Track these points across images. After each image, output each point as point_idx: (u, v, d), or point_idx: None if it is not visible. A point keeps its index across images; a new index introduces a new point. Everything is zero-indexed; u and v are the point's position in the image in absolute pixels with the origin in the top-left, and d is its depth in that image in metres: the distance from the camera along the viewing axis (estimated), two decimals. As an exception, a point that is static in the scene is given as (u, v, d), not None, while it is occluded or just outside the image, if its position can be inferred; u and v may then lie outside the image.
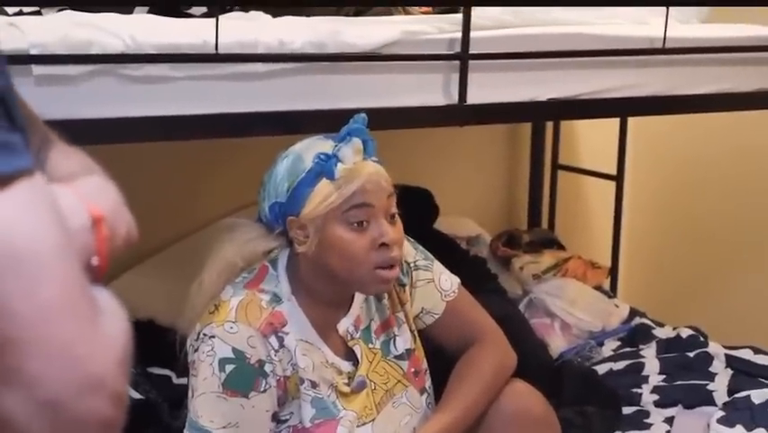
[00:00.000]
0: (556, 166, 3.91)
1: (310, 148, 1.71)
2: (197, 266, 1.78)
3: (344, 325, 1.79)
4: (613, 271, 3.75)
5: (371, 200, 1.68)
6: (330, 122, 1.80)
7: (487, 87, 2.19)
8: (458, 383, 1.84)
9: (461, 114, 2.16)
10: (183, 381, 2.38)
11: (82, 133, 0.99)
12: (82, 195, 0.86)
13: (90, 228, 0.84)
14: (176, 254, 2.94)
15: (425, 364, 1.90)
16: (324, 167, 1.67)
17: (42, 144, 0.93)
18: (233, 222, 1.80)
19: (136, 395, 2.21)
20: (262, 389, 1.66)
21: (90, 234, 0.84)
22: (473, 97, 2.15)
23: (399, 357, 1.86)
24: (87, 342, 0.71)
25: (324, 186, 1.67)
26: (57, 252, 0.71)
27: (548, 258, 3.50)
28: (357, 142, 1.69)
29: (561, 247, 3.69)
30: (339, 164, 1.67)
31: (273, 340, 1.68)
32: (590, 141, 3.97)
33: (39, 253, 0.70)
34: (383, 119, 1.99)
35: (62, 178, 0.88)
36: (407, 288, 1.88)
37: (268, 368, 1.67)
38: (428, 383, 1.90)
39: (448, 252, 2.49)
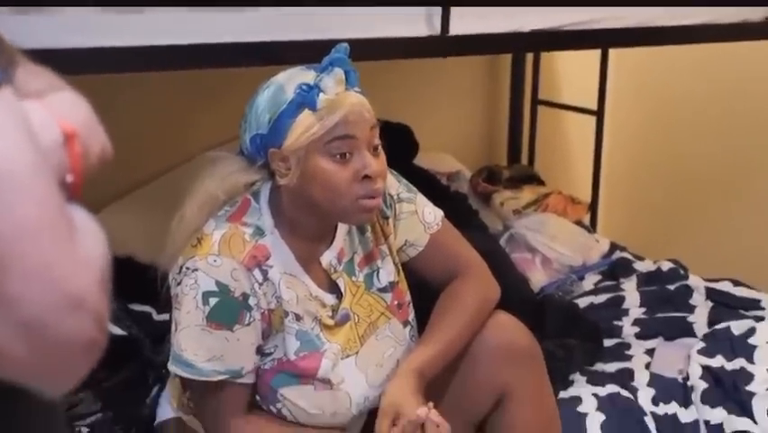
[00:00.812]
0: (536, 101, 3.90)
1: (291, 78, 1.68)
2: (177, 202, 1.75)
3: (327, 257, 1.77)
4: (593, 207, 3.76)
5: (354, 132, 1.66)
6: (311, 52, 1.76)
7: (469, 18, 2.16)
8: (441, 316, 1.84)
9: (444, 45, 2.14)
10: (164, 317, 2.37)
11: (57, 62, 0.95)
12: (53, 110, 0.83)
13: (63, 145, 0.81)
14: (155, 190, 2.91)
15: (408, 297, 1.90)
16: (306, 97, 1.64)
17: (9, 64, 0.90)
18: (214, 155, 1.77)
19: (118, 331, 2.19)
20: (247, 322, 1.65)
21: (63, 151, 0.81)
22: (456, 28, 2.12)
23: (383, 290, 1.85)
24: (66, 261, 0.69)
25: (305, 117, 1.64)
26: (31, 169, 0.69)
27: (528, 193, 3.51)
28: (339, 72, 1.66)
29: (540, 183, 3.69)
30: (321, 95, 1.64)
31: (257, 273, 1.67)
32: (571, 75, 3.95)
33: (12, 172, 0.67)
34: (365, 50, 1.96)
35: (31, 95, 0.85)
36: (391, 220, 1.87)
37: (252, 301, 1.65)
38: (411, 316, 1.89)
39: (429, 187, 2.46)
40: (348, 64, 1.67)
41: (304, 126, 1.64)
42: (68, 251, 0.70)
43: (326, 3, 1.98)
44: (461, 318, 1.83)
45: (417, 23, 2.10)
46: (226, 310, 1.63)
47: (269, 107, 1.66)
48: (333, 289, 1.79)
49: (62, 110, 0.85)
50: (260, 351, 1.70)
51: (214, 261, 1.63)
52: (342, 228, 1.81)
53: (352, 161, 1.66)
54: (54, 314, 0.68)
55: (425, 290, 1.94)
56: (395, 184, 1.88)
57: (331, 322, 1.76)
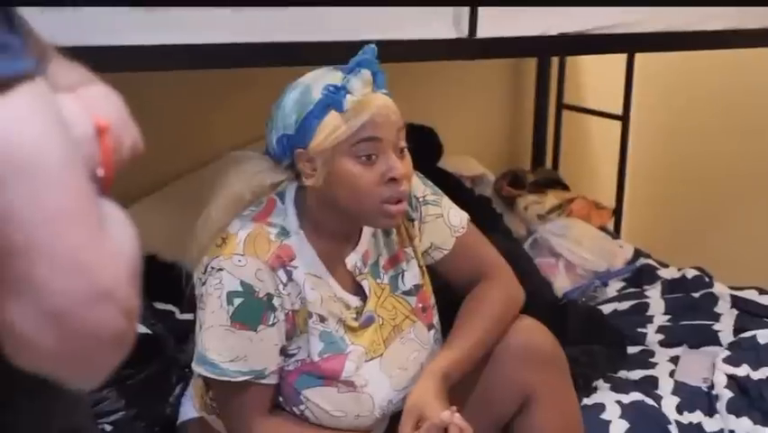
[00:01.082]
0: (561, 105, 3.87)
1: (319, 79, 1.68)
2: (202, 201, 1.75)
3: (353, 259, 1.77)
4: (617, 212, 3.74)
5: (380, 134, 1.65)
6: (337, 53, 1.76)
7: (497, 21, 2.15)
8: (466, 319, 1.83)
9: (472, 47, 2.13)
10: (187, 316, 2.37)
11: (83, 60, 0.95)
12: (85, 104, 0.83)
13: (94, 138, 0.81)
14: (180, 189, 2.91)
15: (432, 300, 1.89)
16: (333, 98, 1.63)
17: (42, 59, 0.90)
18: (240, 154, 1.77)
19: (142, 329, 2.19)
20: (270, 322, 1.65)
21: (94, 144, 0.81)
22: (483, 31, 2.11)
23: (407, 293, 1.84)
24: (95, 251, 0.69)
25: (332, 118, 1.64)
26: (62, 159, 0.69)
27: (552, 198, 3.49)
28: (366, 73, 1.65)
29: (565, 187, 3.67)
30: (348, 96, 1.63)
31: (281, 274, 1.66)
32: (596, 80, 3.93)
33: (42, 159, 0.67)
34: (392, 52, 1.95)
35: (63, 89, 0.85)
36: (416, 222, 1.86)
37: (276, 302, 1.65)
38: (436, 319, 1.89)
39: (453, 191, 2.46)
40: (376, 65, 1.67)
41: (330, 127, 1.63)
42: (97, 242, 0.69)
43: (354, 3, 1.97)
44: (486, 322, 1.82)
45: (445, 26, 2.09)
46: (250, 311, 1.63)
47: (296, 108, 1.66)
48: (358, 291, 1.78)
49: (94, 104, 0.85)
50: (283, 352, 1.70)
51: (239, 261, 1.63)
52: (367, 230, 1.80)
53: (377, 163, 1.65)
54: (81, 304, 0.68)
55: (449, 294, 1.93)
56: (420, 187, 1.87)
57: (355, 324, 1.76)
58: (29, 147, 0.67)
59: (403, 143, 1.71)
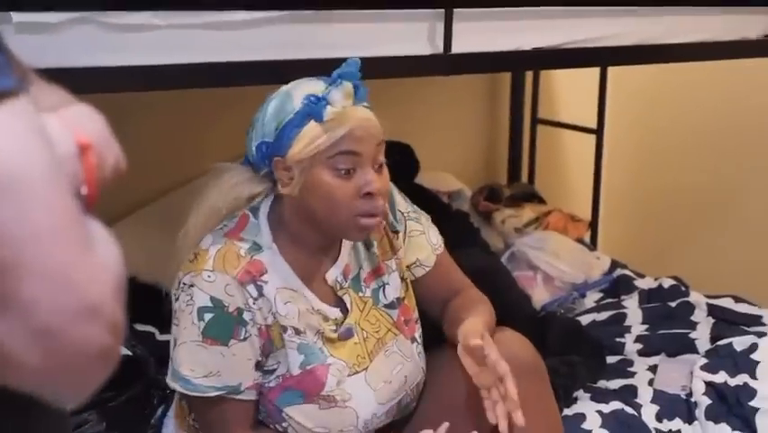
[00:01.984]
0: (536, 120, 3.91)
1: (300, 88, 1.68)
2: (180, 222, 1.75)
3: (333, 274, 1.77)
4: (593, 224, 3.77)
5: (359, 148, 1.65)
6: (315, 71, 1.76)
7: (472, 37, 2.16)
8: (464, 312, 1.85)
9: (446, 63, 2.14)
10: (167, 337, 2.36)
11: (62, 82, 0.96)
12: (68, 122, 0.84)
13: (77, 156, 0.81)
14: (159, 210, 2.91)
15: (415, 314, 1.90)
16: (313, 108, 1.64)
17: (25, 79, 0.91)
18: (222, 166, 1.77)
19: (123, 351, 2.19)
20: (242, 337, 1.65)
21: (78, 163, 0.81)
22: (458, 47, 2.13)
23: (389, 306, 1.85)
24: (82, 268, 0.69)
25: (311, 128, 1.64)
26: (46, 174, 0.69)
27: (529, 212, 3.52)
28: (348, 85, 1.66)
29: (541, 201, 3.70)
30: (328, 107, 1.64)
31: (251, 288, 1.66)
32: (570, 94, 3.97)
33: (26, 175, 0.67)
34: (368, 68, 1.95)
35: (45, 109, 0.85)
36: (401, 235, 1.88)
37: (247, 316, 1.65)
38: (418, 333, 1.90)
39: (430, 206, 2.47)
40: (357, 78, 1.68)
41: (309, 137, 1.63)
42: (83, 257, 0.70)
43: (324, 6, 1.99)
44: (484, 312, 1.85)
45: (420, 42, 2.11)
46: (221, 326, 1.63)
47: (276, 116, 1.66)
48: (339, 303, 1.79)
49: (77, 122, 0.85)
50: (260, 367, 1.70)
51: (209, 276, 1.63)
52: (346, 244, 1.81)
53: (354, 176, 1.66)
54: (69, 320, 0.68)
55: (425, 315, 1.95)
56: (404, 203, 1.91)
57: (333, 335, 1.76)
58: (12, 162, 0.67)
59: (382, 158, 1.71)
